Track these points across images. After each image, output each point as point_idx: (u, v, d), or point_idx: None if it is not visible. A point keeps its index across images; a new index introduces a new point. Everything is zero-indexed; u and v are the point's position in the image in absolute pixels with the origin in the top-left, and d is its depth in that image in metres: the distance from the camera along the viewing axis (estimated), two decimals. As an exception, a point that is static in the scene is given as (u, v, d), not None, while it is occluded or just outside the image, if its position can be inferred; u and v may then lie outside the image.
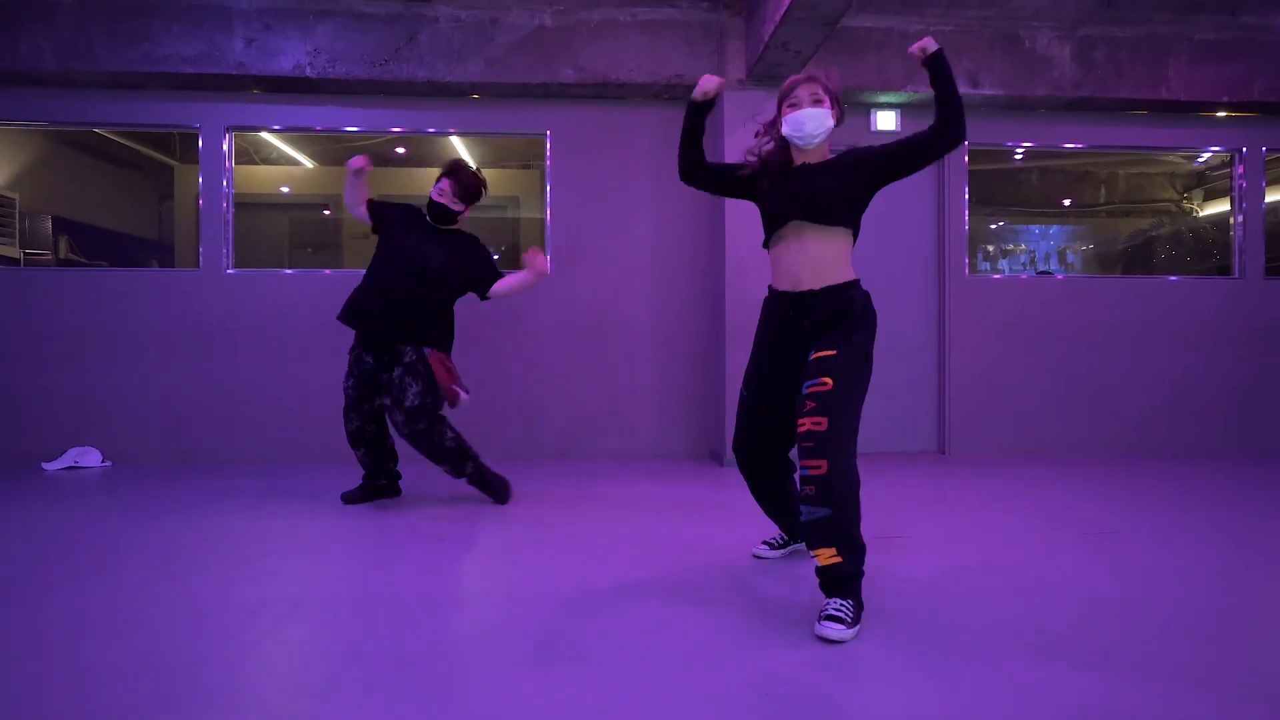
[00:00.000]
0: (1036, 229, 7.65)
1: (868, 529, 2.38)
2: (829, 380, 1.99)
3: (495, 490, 3.41)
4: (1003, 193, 7.46)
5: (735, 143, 4.63)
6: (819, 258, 2.12)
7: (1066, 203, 7.76)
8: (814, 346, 2.10)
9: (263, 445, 4.76)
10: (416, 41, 4.61)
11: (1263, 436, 5.24)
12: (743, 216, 4.62)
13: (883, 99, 4.92)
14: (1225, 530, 2.93)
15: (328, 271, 4.90)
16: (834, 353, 2.04)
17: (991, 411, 5.10)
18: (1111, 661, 1.66)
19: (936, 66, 2.04)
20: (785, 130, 2.18)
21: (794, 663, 1.66)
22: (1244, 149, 5.30)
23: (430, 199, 3.35)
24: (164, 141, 6.96)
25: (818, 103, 2.14)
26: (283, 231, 7.85)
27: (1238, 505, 3.44)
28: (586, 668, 1.63)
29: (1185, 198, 7.59)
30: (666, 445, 5.03)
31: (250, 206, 6.98)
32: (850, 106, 4.92)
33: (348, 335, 3.39)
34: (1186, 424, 5.20)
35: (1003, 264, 7.54)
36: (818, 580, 1.96)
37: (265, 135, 5.75)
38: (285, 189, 7.56)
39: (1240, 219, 5.35)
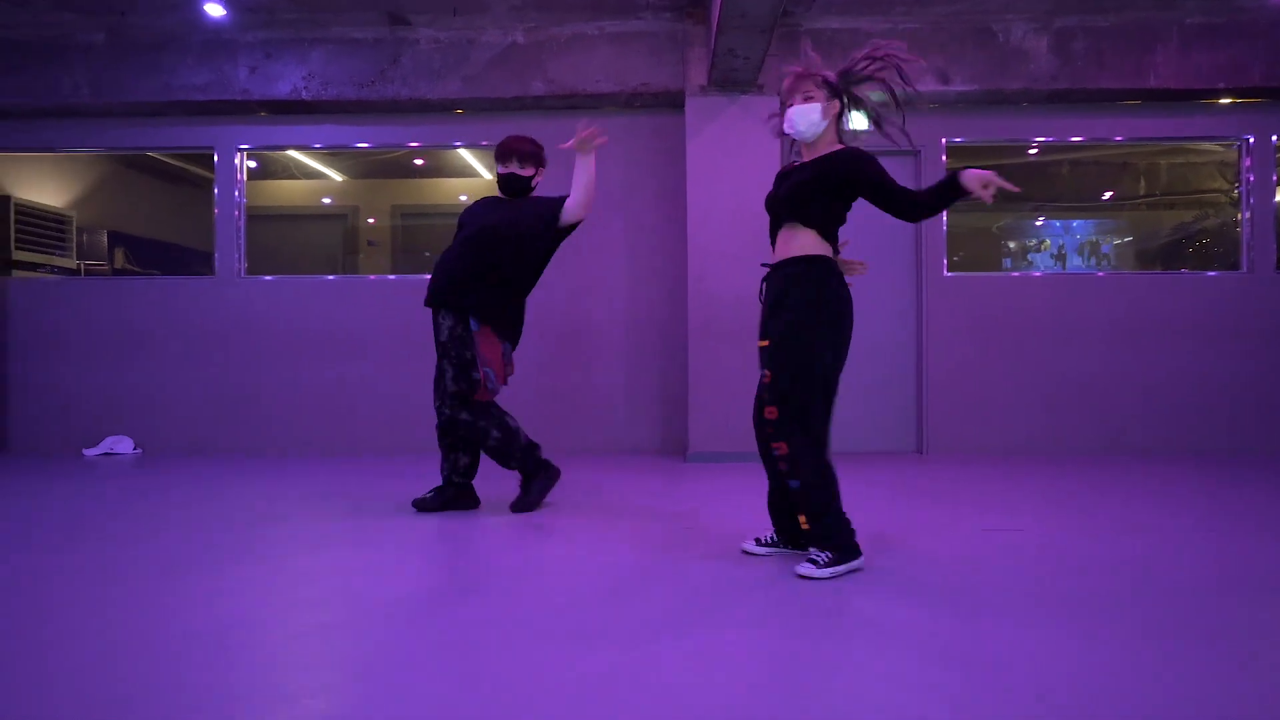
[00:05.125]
0: (1058, 223, 7.37)
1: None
2: (767, 371, 2.18)
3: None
4: (1029, 187, 7.21)
5: (698, 146, 4.75)
6: (788, 248, 2.26)
7: (1107, 196, 7.44)
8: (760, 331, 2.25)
9: (265, 436, 5.22)
10: (400, 63, 4.95)
11: (1271, 436, 4.95)
12: (701, 223, 4.74)
13: (852, 99, 4.93)
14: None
15: (331, 277, 5.32)
16: (766, 343, 2.19)
17: (969, 411, 5.02)
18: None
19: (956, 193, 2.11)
20: (785, 128, 2.31)
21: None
22: (1250, 138, 5.03)
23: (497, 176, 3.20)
24: (206, 157, 7.62)
25: (808, 99, 2.25)
26: (331, 240, 8.43)
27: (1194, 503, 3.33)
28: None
29: (1237, 187, 7.14)
30: (636, 441, 5.18)
31: (290, 218, 7.60)
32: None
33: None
34: (1173, 423, 4.96)
35: (1034, 258, 7.29)
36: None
37: (293, 153, 6.24)
38: (327, 200, 8.12)
39: (1248, 214, 5.08)
